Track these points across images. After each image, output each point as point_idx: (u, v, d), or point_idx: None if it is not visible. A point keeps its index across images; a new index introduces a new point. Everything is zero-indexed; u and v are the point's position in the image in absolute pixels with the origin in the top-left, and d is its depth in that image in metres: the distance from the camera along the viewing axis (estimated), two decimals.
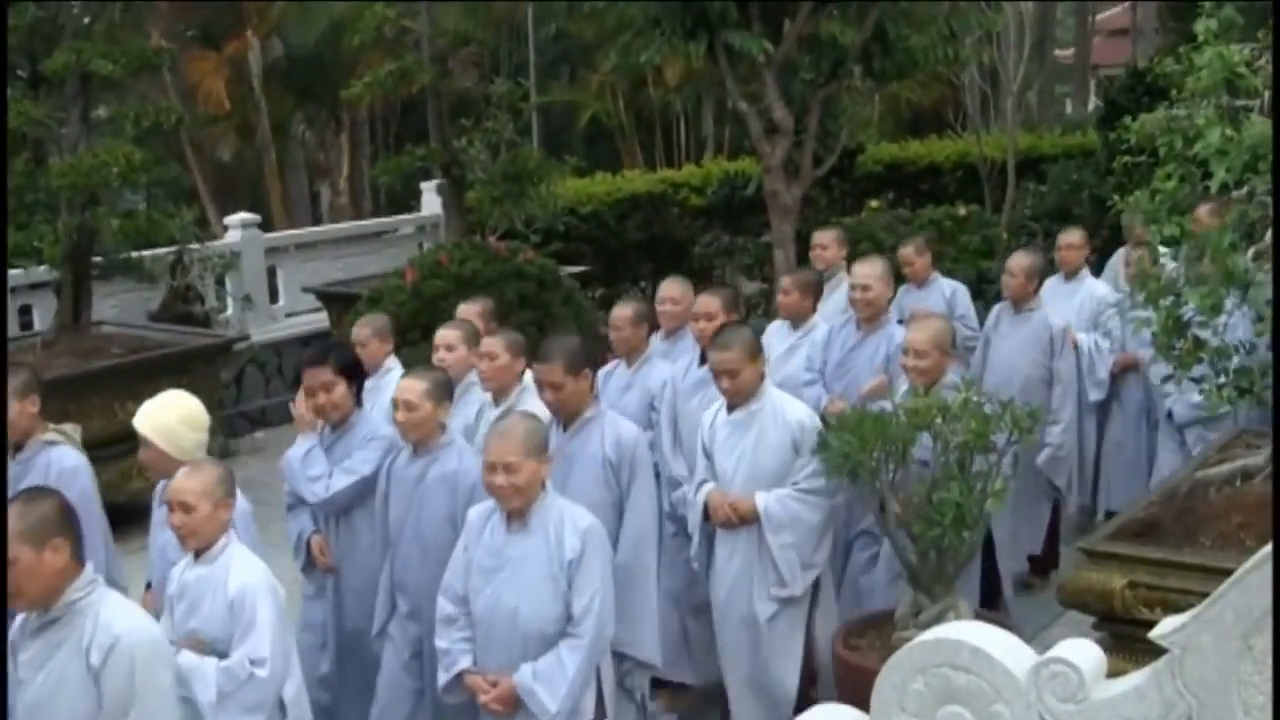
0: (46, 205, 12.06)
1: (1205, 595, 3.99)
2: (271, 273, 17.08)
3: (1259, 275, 6.42)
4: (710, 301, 8.80)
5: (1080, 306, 10.87)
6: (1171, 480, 7.73)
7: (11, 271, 12.74)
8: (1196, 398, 9.19)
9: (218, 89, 27.64)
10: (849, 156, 18.52)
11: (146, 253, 13.40)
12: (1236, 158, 6.36)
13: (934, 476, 7.12)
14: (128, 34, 13.32)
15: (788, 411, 7.45)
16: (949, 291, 11.28)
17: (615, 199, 18.96)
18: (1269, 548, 3.83)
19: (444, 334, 8.58)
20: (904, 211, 17.96)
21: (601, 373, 8.81)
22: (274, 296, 17.09)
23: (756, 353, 7.45)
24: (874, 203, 19.24)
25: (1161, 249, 7.41)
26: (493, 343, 8.06)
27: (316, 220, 29.29)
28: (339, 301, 15.16)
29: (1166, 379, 9.56)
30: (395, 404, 7.18)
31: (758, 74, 14.42)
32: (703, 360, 8.34)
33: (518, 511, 6.19)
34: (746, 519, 7.38)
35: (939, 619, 6.78)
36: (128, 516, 11.87)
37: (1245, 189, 6.55)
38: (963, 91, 22.27)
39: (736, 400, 7.45)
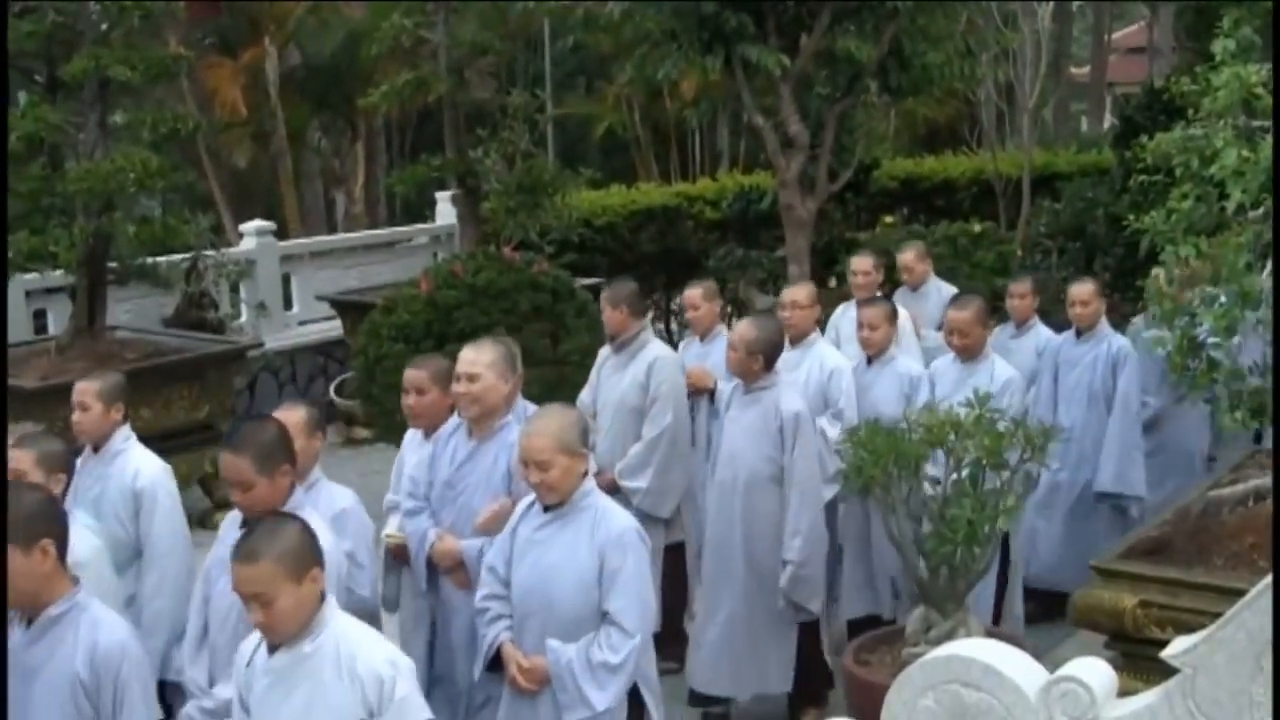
0: (62, 210, 12.07)
1: (1218, 615, 3.98)
2: (286, 280, 17.10)
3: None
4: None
5: (808, 377, 9.09)
6: (1184, 500, 7.72)
7: (27, 276, 12.78)
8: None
9: (234, 96, 27.62)
10: (864, 172, 18.51)
11: (162, 259, 13.42)
12: (1253, 179, 6.35)
13: (946, 493, 7.12)
14: (146, 41, 13.35)
15: (360, 655, 4.74)
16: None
17: (630, 211, 18.97)
18: None
19: (82, 388, 7.56)
20: (918, 227, 17.95)
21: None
22: (288, 304, 17.11)
23: (302, 571, 4.70)
24: (888, 218, 19.24)
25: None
26: (86, 389, 7.15)
27: (331, 228, 29.28)
28: (353, 310, 15.17)
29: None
30: None
31: (774, 88, 14.44)
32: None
33: None
34: None
35: (950, 635, 6.78)
36: None
37: (1262, 209, 6.54)
38: (978, 108, 22.31)
39: (276, 640, 4.79)
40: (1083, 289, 10.03)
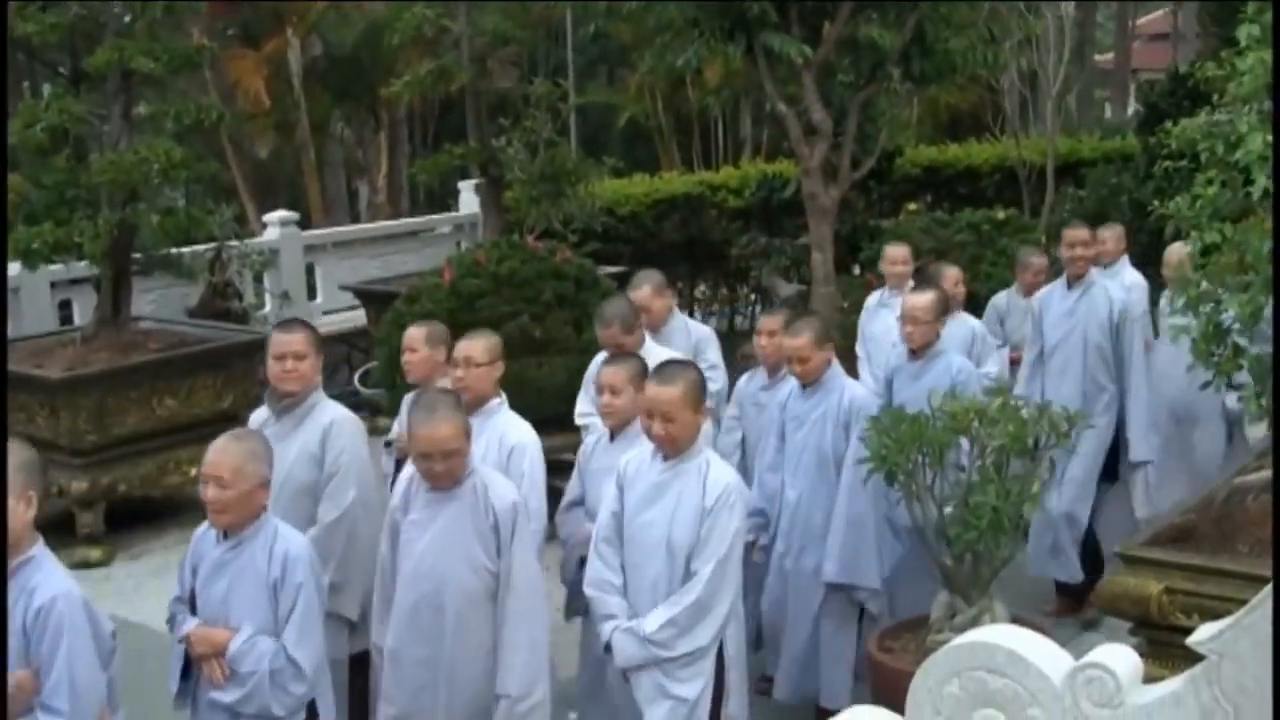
0: (87, 201, 12.11)
1: (1243, 602, 3.97)
2: (309, 270, 17.14)
3: None
4: None
5: (485, 452, 7.00)
6: (1209, 487, 7.69)
7: (52, 267, 12.82)
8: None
9: (257, 87, 27.72)
10: (887, 159, 18.51)
11: (186, 249, 13.47)
12: None
13: (970, 480, 7.11)
14: (168, 32, 13.39)
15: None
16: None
17: (653, 200, 18.96)
18: None
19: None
20: (942, 215, 17.90)
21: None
22: (312, 294, 17.15)
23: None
24: (912, 205, 19.19)
25: None
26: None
27: (355, 218, 29.38)
28: (376, 299, 15.20)
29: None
30: None
31: (796, 76, 14.41)
32: None
33: None
34: None
35: (974, 622, 6.77)
36: (165, 510, 12.00)
37: None
38: (1002, 95, 22.25)
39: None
40: (770, 321, 8.35)
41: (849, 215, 17.13)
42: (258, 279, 16.25)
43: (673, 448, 6.27)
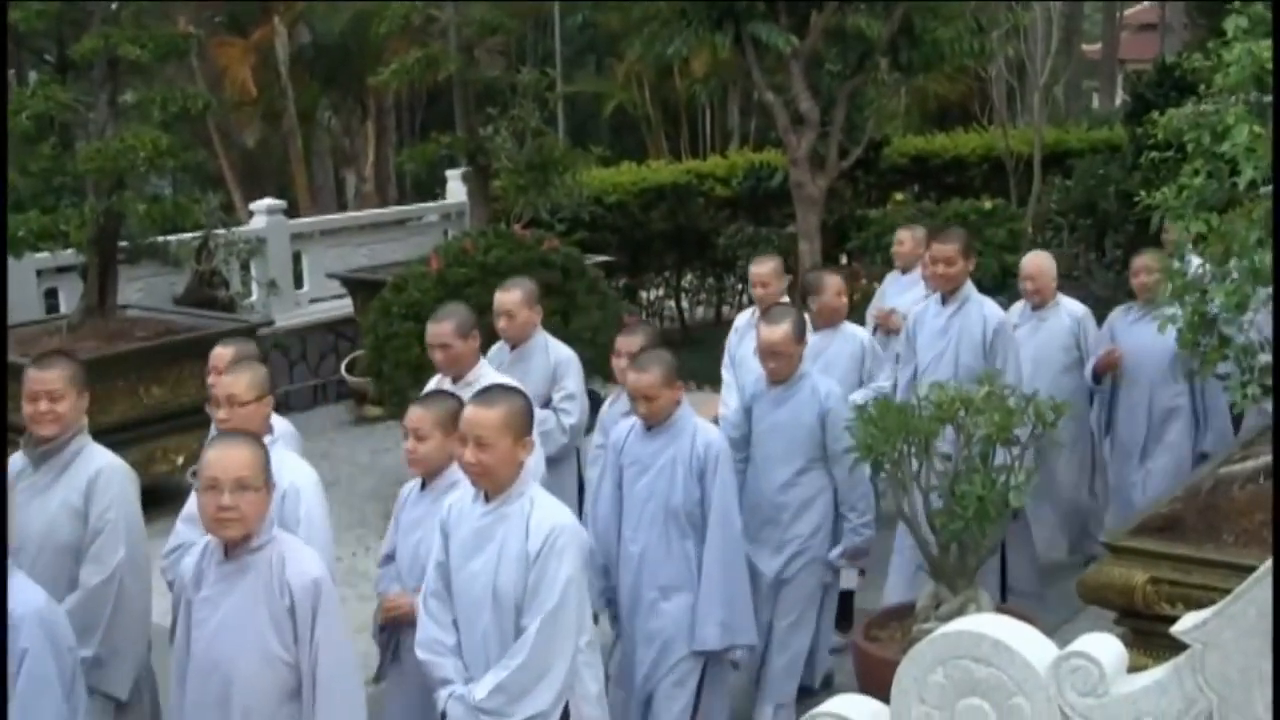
0: (73, 189, 12.10)
1: (1228, 592, 3.98)
2: (296, 258, 17.10)
3: None
4: None
5: None
6: (1195, 477, 7.71)
7: (38, 255, 12.80)
8: None
9: (244, 75, 27.64)
10: (875, 149, 18.51)
11: (172, 237, 13.44)
12: (1265, 155, 6.34)
13: (956, 469, 7.12)
14: (155, 20, 13.37)
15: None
16: None
17: (640, 189, 18.93)
18: None
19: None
20: (929, 204, 17.91)
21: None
22: (299, 282, 17.11)
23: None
24: (899, 195, 19.20)
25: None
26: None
27: (342, 207, 29.30)
28: (364, 288, 15.18)
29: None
30: None
31: (784, 66, 14.44)
32: None
33: None
34: None
35: (960, 611, 6.79)
36: (151, 499, 11.96)
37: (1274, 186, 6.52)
38: (989, 85, 22.24)
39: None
40: (628, 342, 7.83)
41: (836, 205, 17.14)
42: (245, 267, 16.22)
43: (488, 481, 5.58)
